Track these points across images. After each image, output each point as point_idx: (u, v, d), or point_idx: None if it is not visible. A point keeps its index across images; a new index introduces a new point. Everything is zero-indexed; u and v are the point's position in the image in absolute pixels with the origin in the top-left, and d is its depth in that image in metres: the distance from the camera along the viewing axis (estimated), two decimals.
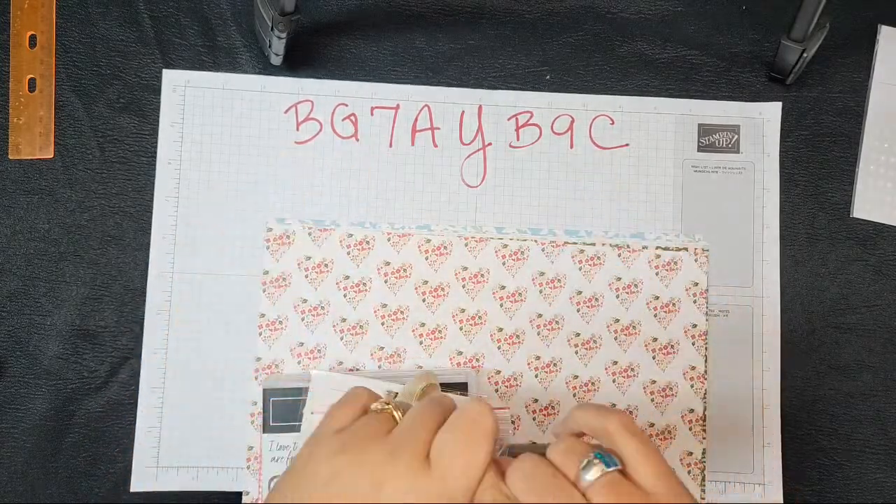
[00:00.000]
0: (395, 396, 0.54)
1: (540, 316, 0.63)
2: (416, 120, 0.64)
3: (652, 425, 0.62)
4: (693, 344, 0.63)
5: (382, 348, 0.62)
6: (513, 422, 0.61)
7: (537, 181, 0.64)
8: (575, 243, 0.64)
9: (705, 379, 0.63)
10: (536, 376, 0.62)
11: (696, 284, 0.63)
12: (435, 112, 0.65)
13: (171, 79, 0.64)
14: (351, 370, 0.62)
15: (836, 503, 0.63)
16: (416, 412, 0.42)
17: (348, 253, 0.63)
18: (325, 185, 0.64)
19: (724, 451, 0.62)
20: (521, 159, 0.65)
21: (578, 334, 0.63)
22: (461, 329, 0.62)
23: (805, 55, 0.60)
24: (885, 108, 0.65)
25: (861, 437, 0.63)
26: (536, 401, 0.62)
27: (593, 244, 0.64)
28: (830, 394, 0.63)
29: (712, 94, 0.65)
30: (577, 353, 0.63)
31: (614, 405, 0.62)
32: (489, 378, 0.62)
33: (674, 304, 0.63)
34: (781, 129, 0.65)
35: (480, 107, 0.65)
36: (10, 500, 0.60)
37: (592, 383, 0.62)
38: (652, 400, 0.62)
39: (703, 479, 0.62)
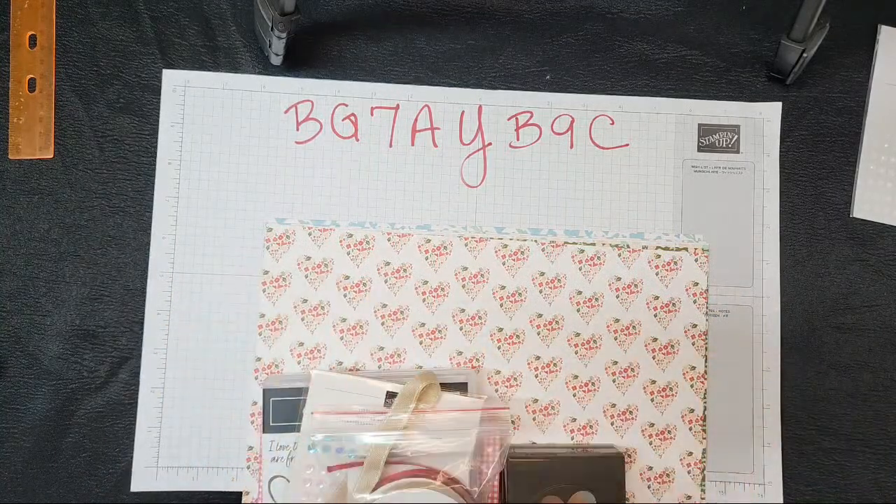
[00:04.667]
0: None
1: (540, 316, 0.63)
2: (416, 120, 0.64)
3: (652, 425, 0.62)
4: (693, 344, 0.63)
5: (382, 348, 0.62)
6: (513, 422, 0.61)
7: (537, 181, 0.64)
8: (575, 243, 0.64)
9: (705, 379, 0.63)
10: (536, 376, 0.62)
11: (696, 284, 0.63)
12: (435, 112, 0.65)
13: (171, 79, 0.64)
14: (351, 370, 0.62)
15: (836, 503, 0.63)
16: None
17: (348, 253, 0.63)
18: (325, 185, 0.64)
19: (724, 451, 0.62)
20: (521, 159, 0.65)
21: (578, 334, 0.63)
22: (461, 329, 0.62)
23: (805, 55, 0.60)
24: (885, 108, 0.65)
25: (861, 437, 0.63)
26: (536, 401, 0.62)
27: (593, 244, 0.64)
28: (830, 394, 0.63)
29: (712, 94, 0.65)
30: (577, 353, 0.63)
31: (614, 405, 0.62)
32: (489, 378, 0.62)
33: (674, 304, 0.63)
34: (781, 129, 0.65)
35: (480, 107, 0.65)
36: (10, 500, 0.60)
37: (592, 383, 0.62)
38: (652, 400, 0.62)
39: (703, 479, 0.62)
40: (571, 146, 0.65)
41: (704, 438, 0.62)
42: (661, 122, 0.65)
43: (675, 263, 0.64)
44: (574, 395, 0.62)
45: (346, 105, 0.64)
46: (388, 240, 0.63)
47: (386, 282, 0.63)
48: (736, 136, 0.65)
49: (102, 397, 0.61)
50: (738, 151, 0.65)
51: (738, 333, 0.63)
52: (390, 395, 0.59)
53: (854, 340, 0.64)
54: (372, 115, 0.64)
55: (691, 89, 0.66)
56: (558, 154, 0.65)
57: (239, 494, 0.61)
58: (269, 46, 0.61)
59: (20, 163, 0.63)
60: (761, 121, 0.65)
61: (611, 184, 0.65)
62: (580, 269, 0.63)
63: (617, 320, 0.63)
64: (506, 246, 0.63)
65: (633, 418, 0.62)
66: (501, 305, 0.63)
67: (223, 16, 0.65)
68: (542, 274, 0.63)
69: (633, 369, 0.63)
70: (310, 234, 0.63)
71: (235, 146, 0.64)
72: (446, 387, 0.60)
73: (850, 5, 0.66)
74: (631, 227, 0.64)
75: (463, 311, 0.63)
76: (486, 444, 0.59)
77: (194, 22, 0.64)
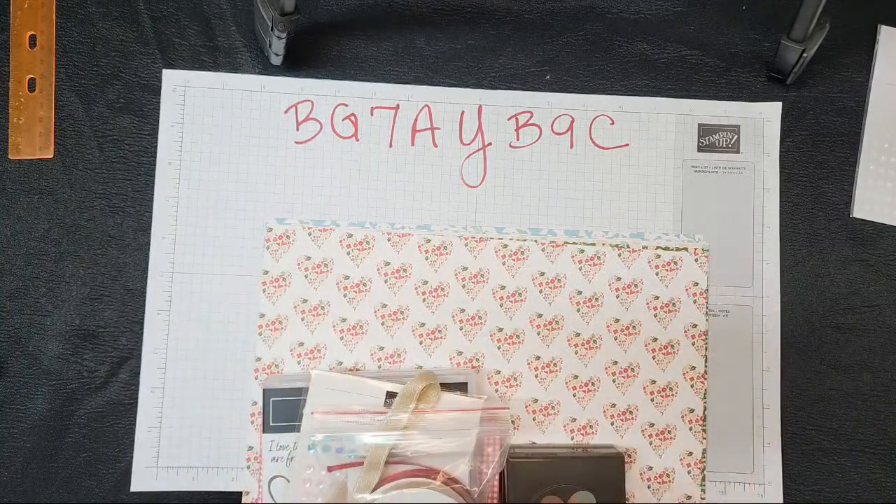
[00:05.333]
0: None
1: (540, 316, 0.63)
2: (416, 120, 0.64)
3: (652, 425, 0.62)
4: (693, 344, 0.63)
5: (382, 348, 0.62)
6: (513, 422, 0.61)
7: (537, 181, 0.64)
8: (575, 243, 0.64)
9: (705, 379, 0.63)
10: (536, 376, 0.62)
11: (696, 284, 0.63)
12: (435, 112, 0.65)
13: (171, 79, 0.64)
14: (351, 370, 0.62)
15: (836, 503, 0.63)
16: None
17: (348, 253, 0.63)
18: (325, 185, 0.64)
19: (724, 451, 0.62)
20: (521, 159, 0.65)
21: (578, 334, 0.63)
22: (461, 329, 0.62)
23: (805, 55, 0.60)
24: (885, 108, 0.65)
25: (861, 437, 0.63)
26: (536, 401, 0.62)
27: (593, 244, 0.64)
28: (830, 394, 0.63)
29: (712, 94, 0.65)
30: (577, 353, 0.63)
31: (614, 405, 0.62)
32: (489, 378, 0.62)
33: (674, 304, 0.63)
34: (781, 129, 0.65)
35: (480, 107, 0.65)
36: (10, 500, 0.60)
37: (592, 383, 0.62)
38: (652, 400, 0.62)
39: (703, 479, 0.62)
40: (571, 146, 0.65)
41: (704, 438, 0.62)
42: (661, 122, 0.65)
43: (675, 263, 0.64)
44: (574, 395, 0.62)
45: (346, 105, 0.64)
46: (388, 240, 0.63)
47: (386, 282, 0.63)
48: (736, 136, 0.65)
49: (102, 397, 0.61)
50: (738, 151, 0.65)
51: (738, 333, 0.63)
52: (390, 395, 0.59)
53: (854, 340, 0.64)
54: (372, 115, 0.64)
55: (691, 89, 0.66)
56: (558, 154, 0.65)
57: (239, 494, 0.61)
58: (269, 46, 0.61)
59: (20, 163, 0.63)
60: (761, 121, 0.65)
61: (611, 184, 0.65)
62: (580, 269, 0.63)
63: (617, 320, 0.63)
64: (506, 246, 0.63)
65: (633, 418, 0.62)
66: (501, 305, 0.63)
67: (223, 16, 0.65)
68: (542, 274, 0.63)
69: (633, 369, 0.63)
70: (310, 234, 0.63)
71: (235, 146, 0.64)
72: (446, 387, 0.60)
73: (850, 5, 0.66)
74: (631, 227, 0.64)
75: (463, 311, 0.63)
76: (486, 444, 0.59)
77: (194, 22, 0.64)
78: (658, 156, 0.65)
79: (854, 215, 0.65)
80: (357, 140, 0.64)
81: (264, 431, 0.60)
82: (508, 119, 0.65)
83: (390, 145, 0.64)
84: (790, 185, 0.65)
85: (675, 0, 0.66)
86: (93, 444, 0.61)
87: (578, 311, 0.63)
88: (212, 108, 0.64)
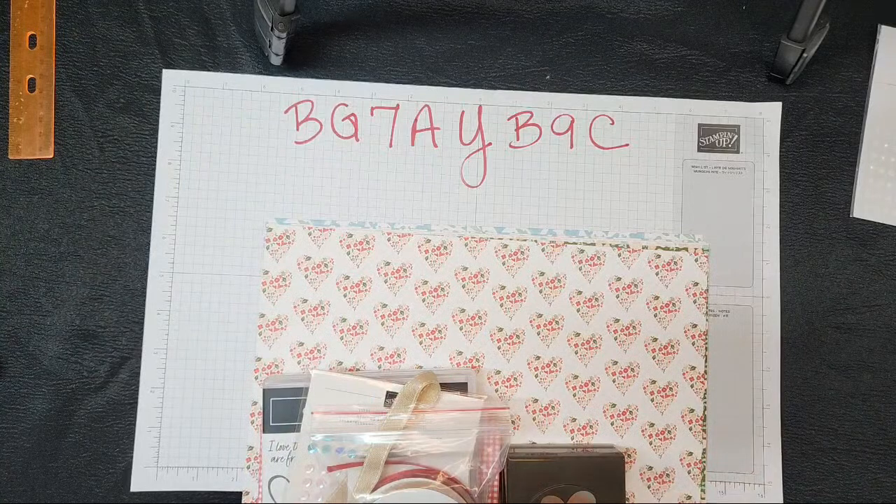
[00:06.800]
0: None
1: (540, 316, 0.63)
2: (416, 120, 0.64)
3: (652, 425, 0.62)
4: (693, 344, 0.63)
5: (382, 348, 0.62)
6: (513, 422, 0.61)
7: (537, 181, 0.64)
8: (575, 243, 0.64)
9: (705, 379, 0.63)
10: (536, 376, 0.62)
11: (696, 284, 0.63)
12: (435, 112, 0.65)
13: (171, 79, 0.64)
14: (351, 370, 0.62)
15: (836, 503, 0.63)
16: None
17: (348, 253, 0.63)
18: (325, 185, 0.64)
19: (724, 451, 0.62)
20: (521, 159, 0.65)
21: (578, 334, 0.63)
22: (461, 329, 0.62)
23: (805, 55, 0.60)
24: (885, 108, 0.65)
25: (861, 437, 0.63)
26: (536, 401, 0.62)
27: (593, 244, 0.64)
28: (830, 394, 0.63)
29: (712, 94, 0.65)
30: (577, 353, 0.63)
31: (614, 405, 0.62)
32: (489, 378, 0.62)
33: (674, 304, 0.63)
34: (781, 129, 0.65)
35: (480, 107, 0.65)
36: (10, 500, 0.60)
37: (592, 383, 0.62)
38: (652, 400, 0.62)
39: (703, 479, 0.62)
40: (571, 146, 0.65)
41: (704, 438, 0.62)
42: (661, 122, 0.65)
43: (675, 263, 0.64)
44: (574, 395, 0.62)
45: (346, 105, 0.64)
46: (388, 240, 0.63)
47: (386, 282, 0.63)
48: (736, 136, 0.65)
49: (102, 397, 0.61)
50: (738, 151, 0.65)
51: (738, 333, 0.63)
52: (390, 395, 0.59)
53: (854, 340, 0.64)
54: (372, 115, 0.64)
55: (691, 89, 0.66)
56: (558, 154, 0.65)
57: (239, 494, 0.61)
58: (269, 46, 0.61)
59: (20, 163, 0.63)
60: (761, 121, 0.65)
61: (611, 184, 0.65)
62: (580, 269, 0.63)
63: (617, 320, 0.63)
64: (506, 246, 0.63)
65: (633, 418, 0.62)
66: (501, 305, 0.63)
67: (223, 16, 0.65)
68: (542, 274, 0.63)
69: (633, 369, 0.63)
70: (310, 234, 0.63)
71: (235, 146, 0.64)
72: (446, 387, 0.60)
73: (850, 5, 0.66)
74: (631, 227, 0.64)
75: (463, 311, 0.63)
76: (486, 444, 0.59)
77: (194, 22, 0.64)
78: (658, 156, 0.65)
79: (854, 215, 0.65)
80: (357, 140, 0.64)
81: (264, 431, 0.60)
82: (508, 119, 0.65)
83: (390, 145, 0.64)
84: (790, 185, 0.65)
85: (675, 0, 0.66)
86: (93, 444, 0.61)
87: (578, 311, 0.63)
88: (212, 108, 0.64)
